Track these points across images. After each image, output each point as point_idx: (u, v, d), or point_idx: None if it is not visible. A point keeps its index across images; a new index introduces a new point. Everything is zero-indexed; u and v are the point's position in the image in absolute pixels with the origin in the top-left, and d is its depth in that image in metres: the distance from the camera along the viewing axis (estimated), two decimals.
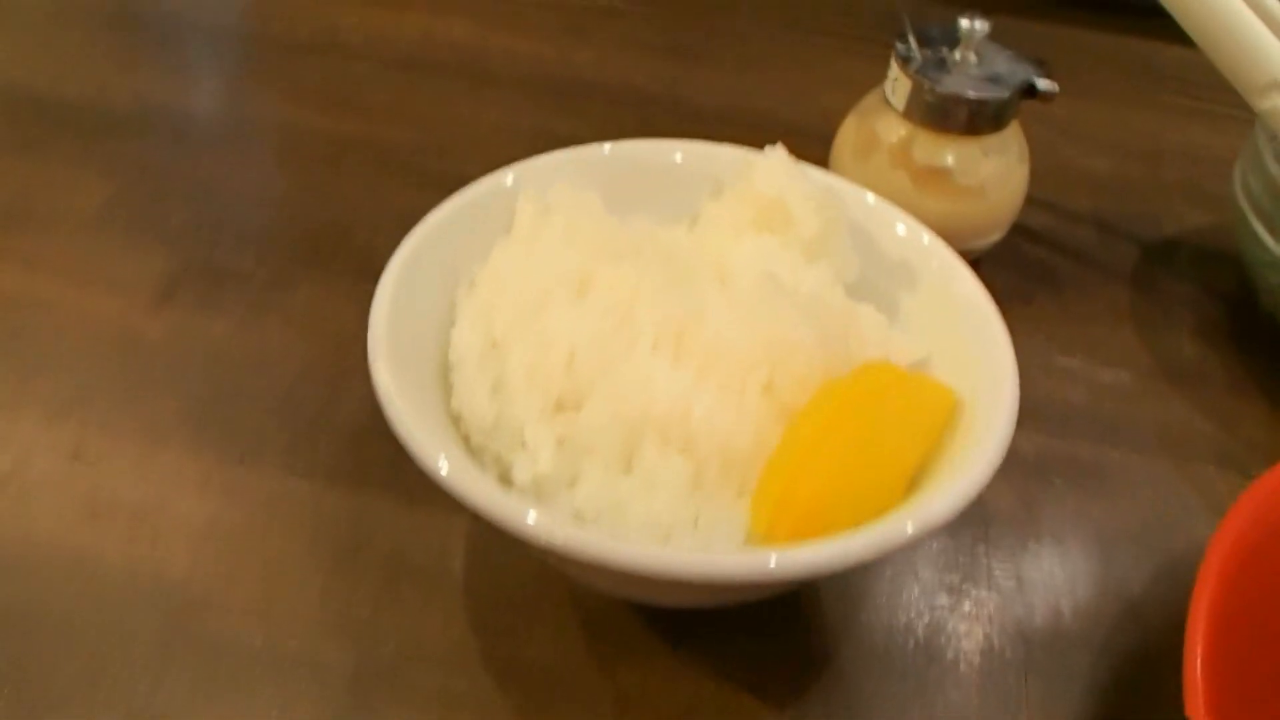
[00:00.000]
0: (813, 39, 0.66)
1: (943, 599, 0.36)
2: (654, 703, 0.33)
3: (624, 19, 0.66)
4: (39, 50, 0.59)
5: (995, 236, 0.48)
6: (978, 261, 0.47)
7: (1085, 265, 0.51)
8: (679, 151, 0.40)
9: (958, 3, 0.46)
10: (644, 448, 0.30)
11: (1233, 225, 0.46)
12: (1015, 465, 0.39)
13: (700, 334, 0.31)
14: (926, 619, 0.36)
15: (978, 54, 0.45)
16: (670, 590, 0.30)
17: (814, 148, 0.48)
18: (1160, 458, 0.42)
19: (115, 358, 0.42)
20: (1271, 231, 0.43)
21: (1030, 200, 0.48)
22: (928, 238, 0.37)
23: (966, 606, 0.36)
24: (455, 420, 0.32)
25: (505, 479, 0.31)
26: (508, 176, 0.37)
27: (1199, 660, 0.28)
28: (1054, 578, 0.38)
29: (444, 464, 0.27)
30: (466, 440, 0.31)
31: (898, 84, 0.45)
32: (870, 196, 0.38)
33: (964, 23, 0.44)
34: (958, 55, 0.45)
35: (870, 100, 0.48)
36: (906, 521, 0.27)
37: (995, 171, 0.46)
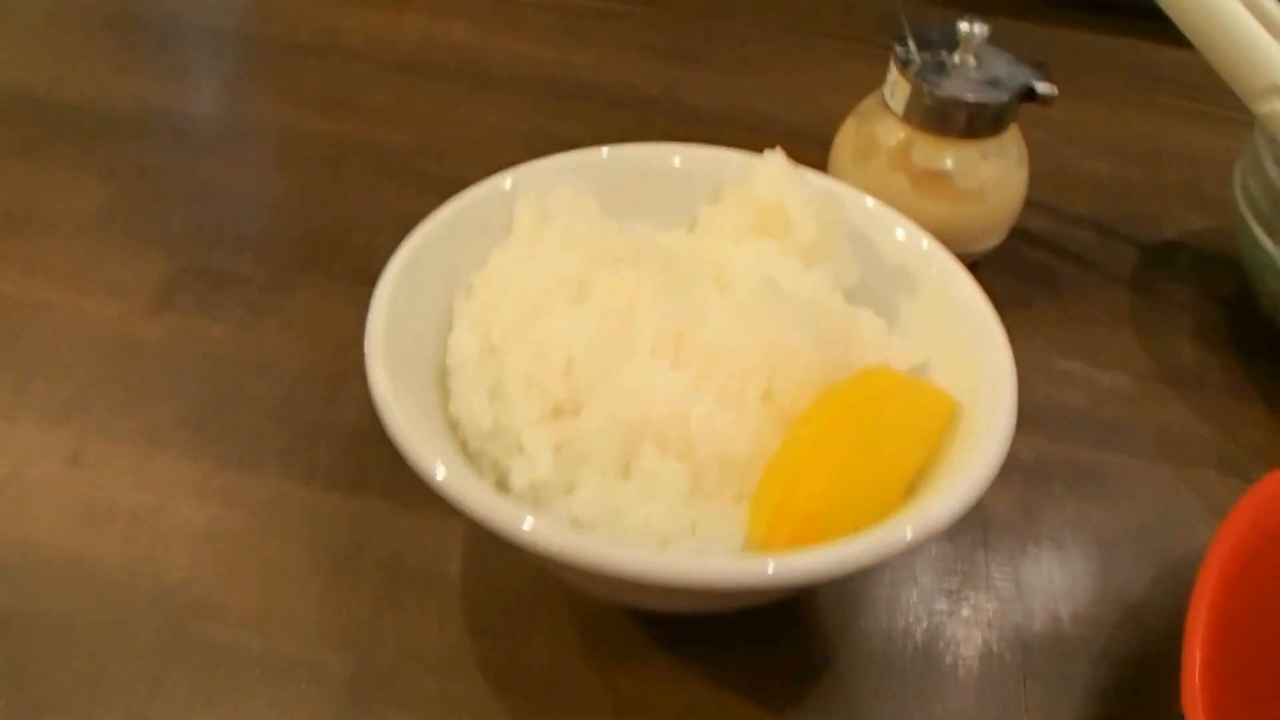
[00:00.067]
0: (812, 41, 0.66)
1: (942, 604, 0.36)
2: (652, 708, 0.33)
3: (623, 21, 0.66)
4: (38, 52, 0.59)
5: (994, 240, 0.48)
6: (977, 265, 0.47)
7: (1085, 268, 0.51)
8: (677, 155, 0.40)
9: (957, 5, 0.46)
10: (642, 453, 0.30)
11: (1232, 228, 0.46)
12: (1015, 469, 0.39)
13: (699, 339, 0.31)
14: (926, 624, 0.36)
15: (977, 57, 0.45)
16: (668, 596, 0.30)
17: (813, 150, 0.48)
18: (1160, 461, 0.42)
19: (114, 361, 0.42)
20: (1271, 235, 0.43)
21: (1029, 203, 0.48)
22: (927, 242, 0.37)
23: (966, 611, 0.36)
24: (453, 425, 0.32)
25: (503, 484, 0.31)
26: (506, 180, 0.37)
27: (1197, 663, 0.28)
28: (1053, 582, 0.38)
29: (440, 470, 0.27)
30: (464, 445, 0.31)
31: (897, 87, 0.45)
32: (869, 201, 0.38)
33: (963, 26, 0.44)
34: (957, 58, 0.45)
35: (869, 103, 0.47)
36: (905, 527, 0.27)
37: (994, 175, 0.45)
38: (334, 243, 0.48)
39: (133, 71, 0.58)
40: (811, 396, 0.31)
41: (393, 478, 0.38)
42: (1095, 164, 0.58)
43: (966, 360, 0.33)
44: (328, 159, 0.53)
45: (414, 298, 0.33)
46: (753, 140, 0.41)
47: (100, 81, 0.57)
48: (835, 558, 0.26)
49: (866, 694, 0.34)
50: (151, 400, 0.40)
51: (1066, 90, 0.44)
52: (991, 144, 0.45)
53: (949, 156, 0.45)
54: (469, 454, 0.31)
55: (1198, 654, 0.28)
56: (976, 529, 0.39)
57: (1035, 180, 0.48)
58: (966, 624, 0.36)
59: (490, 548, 0.36)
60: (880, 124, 0.46)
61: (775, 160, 0.37)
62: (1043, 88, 0.44)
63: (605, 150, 0.39)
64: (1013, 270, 0.50)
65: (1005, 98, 0.44)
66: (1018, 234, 0.49)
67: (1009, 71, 0.45)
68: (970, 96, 0.43)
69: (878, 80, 0.46)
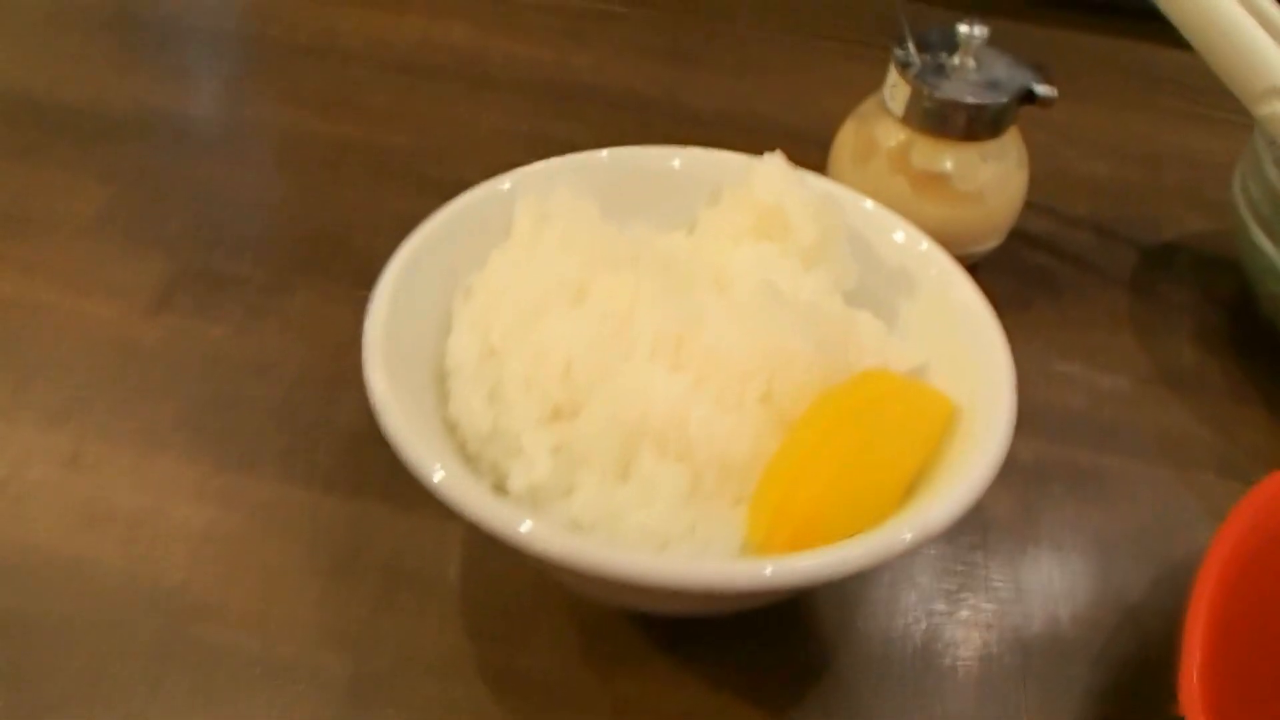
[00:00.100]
0: (812, 43, 0.66)
1: (941, 606, 0.36)
2: (651, 710, 0.33)
3: (623, 23, 0.66)
4: (37, 53, 0.59)
5: (994, 242, 0.48)
6: (976, 267, 0.47)
7: (1084, 270, 0.51)
8: (677, 158, 0.40)
9: (957, 7, 0.46)
10: (641, 456, 0.30)
11: (1233, 230, 0.46)
12: (1014, 471, 0.39)
13: (698, 342, 0.31)
14: (925, 626, 0.36)
15: (976, 59, 0.45)
16: (667, 598, 0.30)
17: (813, 152, 0.48)
18: (1159, 464, 0.42)
19: (113, 362, 0.42)
20: (1271, 237, 0.43)
21: (1029, 205, 0.48)
22: (926, 244, 0.37)
23: (965, 613, 0.36)
24: (451, 427, 0.32)
25: (501, 487, 0.31)
26: (505, 182, 0.37)
27: (1196, 664, 0.28)
28: (1052, 584, 0.38)
29: (438, 472, 0.27)
30: (463, 447, 0.31)
31: (896, 89, 0.45)
32: (868, 203, 0.38)
33: (963, 28, 0.44)
34: (956, 61, 0.45)
35: (869, 105, 0.47)
36: (904, 529, 0.27)
37: (994, 177, 0.45)
38: (333, 244, 0.48)
39: (132, 72, 0.58)
40: (810, 399, 0.31)
41: (392, 480, 0.38)
42: (1095, 166, 0.58)
43: (965, 362, 0.33)
44: (327, 160, 0.53)
45: (413, 300, 0.33)
46: (752, 142, 0.41)
47: (100, 82, 0.57)
48: (834, 560, 0.26)
49: (866, 695, 0.34)
50: (151, 402, 0.40)
51: (1066, 92, 0.44)
52: (991, 146, 0.45)
53: (948, 158, 0.45)
54: (468, 456, 0.31)
55: (1197, 655, 0.28)
56: (975, 531, 0.39)
57: (1035, 182, 0.48)
58: (966, 626, 0.36)
59: (489, 550, 0.36)
60: (880, 126, 0.46)
61: (775, 163, 0.37)
62: (1042, 90, 0.44)
63: (605, 152, 0.39)
64: (1012, 272, 0.50)
65: (1004, 100, 0.44)
66: (1017, 236, 0.49)
67: (1008, 74, 0.45)
68: (970, 99, 0.43)
69: (878, 82, 0.46)
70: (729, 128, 0.58)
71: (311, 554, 0.36)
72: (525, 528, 0.26)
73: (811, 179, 0.38)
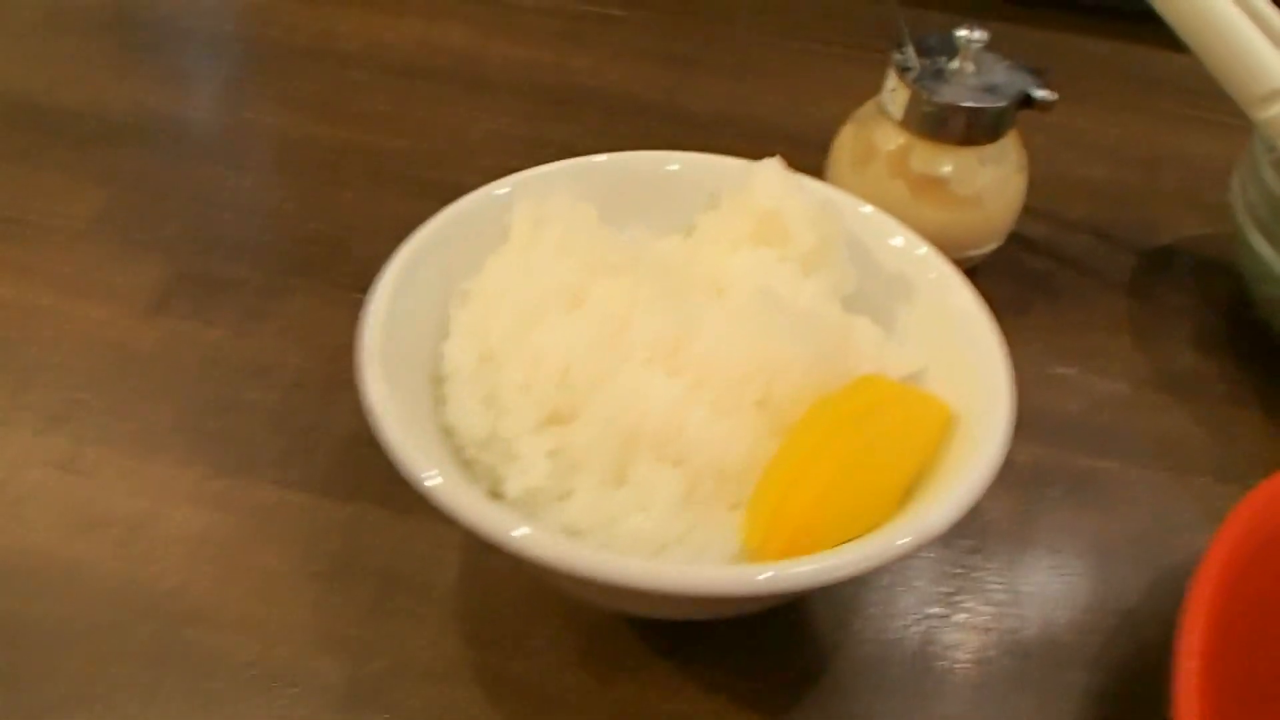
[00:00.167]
0: (812, 47, 0.66)
1: (938, 609, 0.36)
2: (649, 715, 0.33)
3: (622, 26, 0.66)
4: (34, 56, 0.59)
5: (992, 245, 0.48)
6: (974, 270, 0.47)
7: (1082, 274, 0.51)
8: (675, 162, 0.40)
9: (956, 11, 0.46)
10: (637, 461, 0.30)
11: (1230, 234, 0.46)
12: (1011, 476, 0.39)
13: (695, 347, 0.31)
14: (922, 630, 0.36)
15: (975, 64, 0.45)
16: (663, 604, 0.30)
17: (812, 156, 0.48)
18: (1157, 467, 0.42)
19: (110, 365, 0.42)
20: (1269, 241, 0.43)
21: (1028, 209, 0.48)
22: (924, 249, 0.37)
23: (962, 617, 0.36)
24: (448, 433, 0.32)
25: (497, 491, 0.31)
26: (502, 187, 0.37)
27: (1192, 669, 0.28)
28: (1050, 588, 0.37)
29: (432, 478, 0.27)
30: (459, 452, 0.31)
31: (895, 93, 0.45)
32: (867, 208, 0.38)
33: (961, 32, 0.44)
34: (955, 65, 0.45)
35: (868, 109, 0.47)
36: (900, 535, 0.27)
37: (992, 181, 0.45)
38: (331, 247, 0.48)
39: (130, 75, 0.58)
40: (807, 404, 0.31)
41: (389, 484, 0.37)
42: (1094, 169, 0.58)
43: (963, 367, 0.33)
44: (325, 163, 0.53)
45: (409, 304, 0.33)
46: (751, 145, 0.41)
47: (98, 84, 0.57)
48: (830, 565, 0.26)
49: (863, 700, 0.34)
50: (148, 405, 0.40)
51: (1065, 95, 0.44)
52: (990, 150, 0.45)
53: (947, 162, 0.45)
54: (464, 461, 0.31)
55: (1193, 659, 0.28)
56: (973, 534, 0.39)
57: (1034, 185, 0.48)
58: (963, 629, 0.36)
59: (486, 554, 0.36)
60: (879, 130, 0.46)
61: (773, 167, 0.37)
62: (1041, 94, 0.44)
63: (602, 157, 0.39)
64: (1010, 276, 0.50)
65: (1003, 104, 0.44)
66: (1016, 239, 0.49)
67: (1007, 78, 0.45)
68: (968, 103, 0.43)
69: (878, 86, 0.46)
70: (728, 131, 0.58)
71: (308, 558, 0.36)
72: (519, 533, 0.26)
73: (810, 184, 0.38)
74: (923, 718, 0.34)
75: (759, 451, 0.30)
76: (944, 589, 0.37)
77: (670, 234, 0.38)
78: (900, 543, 0.27)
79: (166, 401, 0.41)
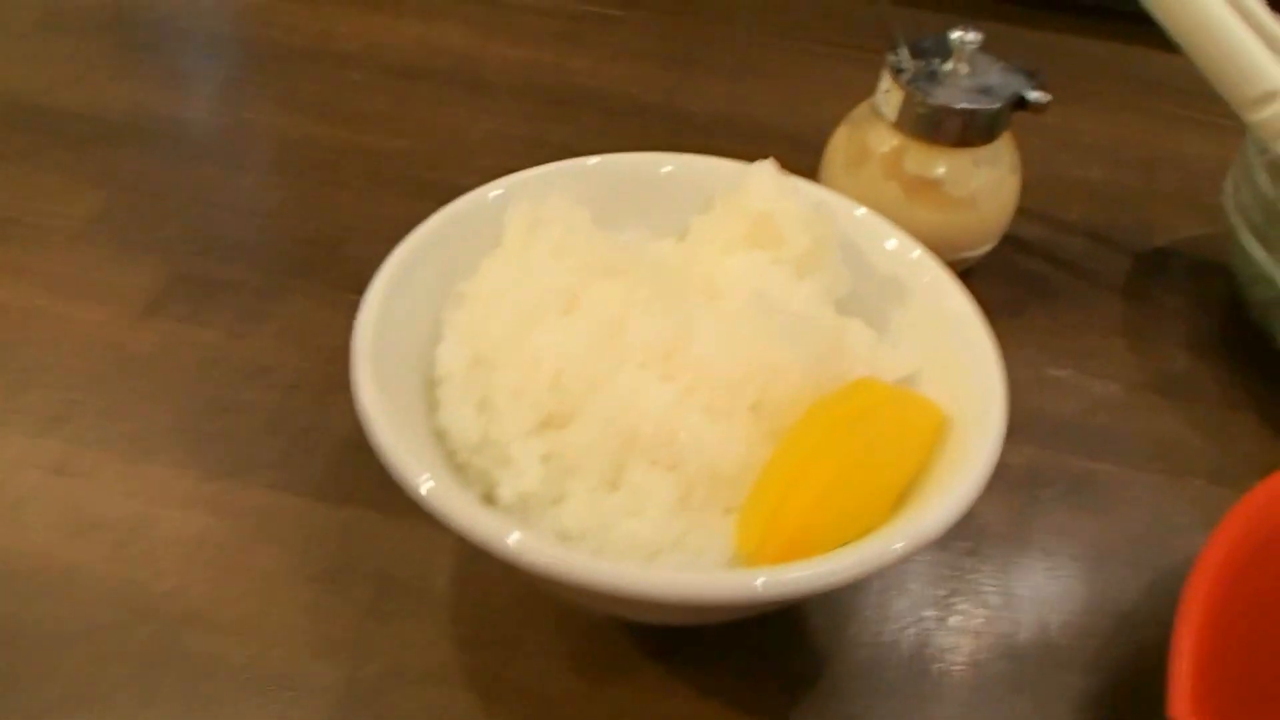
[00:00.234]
0: (809, 48, 0.66)
1: (933, 613, 0.36)
2: (644, 718, 0.33)
3: (620, 27, 0.66)
4: (32, 56, 0.59)
5: (986, 247, 0.48)
6: (969, 272, 0.47)
7: (1077, 276, 0.51)
8: (669, 164, 0.40)
9: (951, 12, 0.46)
10: (631, 466, 0.30)
11: (1225, 235, 0.46)
12: (1005, 478, 0.39)
13: (688, 352, 0.31)
14: (917, 633, 0.36)
15: (970, 65, 0.45)
16: (657, 609, 0.30)
17: (809, 157, 0.48)
18: (1152, 470, 0.42)
19: (105, 368, 0.42)
20: (1262, 243, 0.43)
21: (1022, 210, 0.48)
22: (918, 252, 0.37)
23: (957, 620, 0.36)
24: (441, 436, 0.32)
25: (491, 496, 0.31)
26: (497, 189, 0.37)
27: (1187, 671, 0.28)
28: (1045, 591, 0.38)
29: (425, 483, 0.27)
30: (452, 456, 0.31)
31: (889, 95, 0.45)
32: (860, 210, 0.38)
33: (956, 34, 0.44)
34: (949, 66, 0.45)
35: (862, 110, 0.47)
36: (896, 538, 0.27)
37: (987, 182, 0.45)
38: (328, 249, 0.48)
39: (127, 76, 0.58)
40: (801, 409, 0.31)
41: (384, 487, 0.37)
42: (1088, 171, 0.58)
43: (957, 371, 0.33)
44: (322, 164, 0.53)
45: (402, 307, 0.33)
46: (749, 146, 0.41)
47: (95, 86, 0.57)
48: (825, 570, 0.26)
49: (859, 704, 0.34)
50: (143, 407, 0.40)
51: (1060, 97, 0.44)
52: (984, 151, 0.45)
53: (941, 164, 0.45)
54: (457, 465, 0.31)
55: (1188, 661, 0.28)
56: (968, 538, 0.39)
57: (1028, 187, 0.48)
58: (958, 633, 0.36)
59: (480, 559, 0.36)
60: (873, 131, 0.46)
61: (767, 170, 0.37)
62: (1035, 95, 0.44)
63: (596, 159, 0.39)
64: (1005, 278, 0.50)
65: (997, 105, 0.44)
66: (1010, 241, 0.49)
67: (1001, 79, 0.45)
68: (963, 104, 0.43)
69: (874, 87, 0.46)
70: (725, 132, 0.58)
71: (303, 561, 0.36)
72: (513, 539, 0.26)
73: (804, 186, 0.38)
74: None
75: (753, 456, 0.30)
76: (940, 592, 0.37)
77: (664, 236, 0.38)
78: (895, 547, 0.27)
79: (163, 403, 0.41)
